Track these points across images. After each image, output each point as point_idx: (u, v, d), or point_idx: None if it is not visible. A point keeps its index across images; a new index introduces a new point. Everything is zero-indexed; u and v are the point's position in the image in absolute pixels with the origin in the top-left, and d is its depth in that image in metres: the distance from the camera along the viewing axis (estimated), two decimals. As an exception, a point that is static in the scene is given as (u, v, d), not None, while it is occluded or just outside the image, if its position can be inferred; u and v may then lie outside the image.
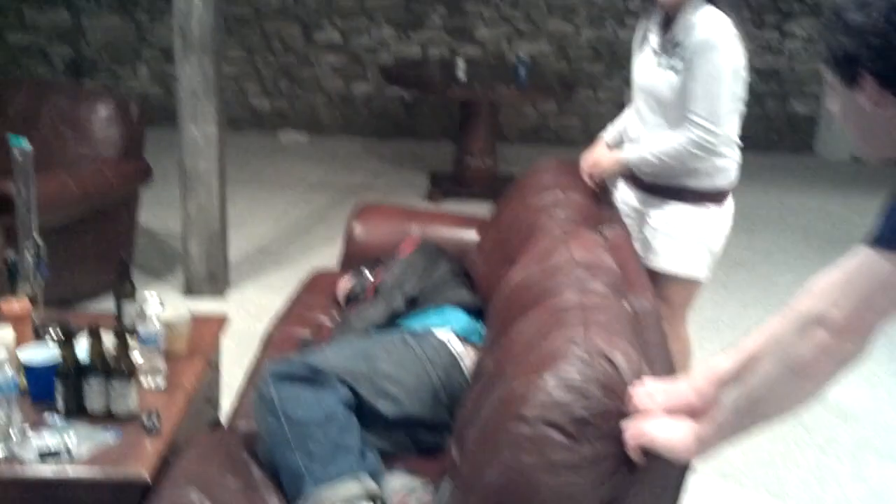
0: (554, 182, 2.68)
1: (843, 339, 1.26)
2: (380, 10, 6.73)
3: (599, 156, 2.73)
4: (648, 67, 2.56)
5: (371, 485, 1.82)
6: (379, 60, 6.74)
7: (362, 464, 1.86)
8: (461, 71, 5.34)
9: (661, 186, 2.58)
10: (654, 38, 2.55)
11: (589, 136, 7.46)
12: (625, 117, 2.80)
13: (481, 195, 5.33)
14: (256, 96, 6.92)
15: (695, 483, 2.82)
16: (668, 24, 2.49)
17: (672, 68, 2.45)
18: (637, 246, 2.55)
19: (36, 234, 2.39)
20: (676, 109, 2.46)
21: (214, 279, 3.94)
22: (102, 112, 3.74)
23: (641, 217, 2.66)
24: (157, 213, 4.45)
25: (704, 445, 1.40)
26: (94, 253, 3.62)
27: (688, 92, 2.41)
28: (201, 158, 3.76)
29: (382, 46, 6.79)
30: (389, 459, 1.99)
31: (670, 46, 2.46)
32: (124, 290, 2.43)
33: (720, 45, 2.35)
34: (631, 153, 2.60)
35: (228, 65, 6.55)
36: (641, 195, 2.65)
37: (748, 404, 1.36)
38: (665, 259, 2.61)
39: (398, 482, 1.87)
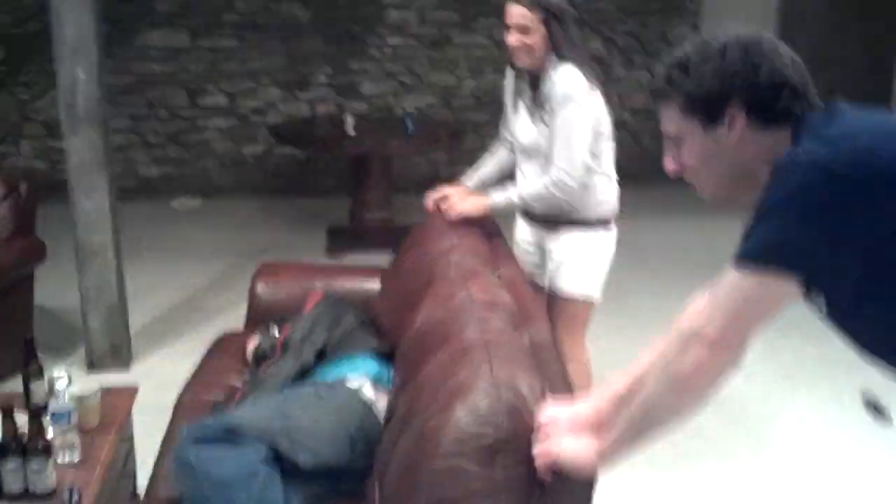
0: (449, 228, 2.80)
1: (719, 352, 1.40)
2: (265, 73, 6.80)
3: (458, 194, 2.97)
4: (526, 125, 2.85)
5: (298, 536, 1.88)
6: (268, 121, 6.80)
7: (287, 517, 1.91)
8: (350, 126, 5.46)
9: (552, 218, 2.85)
10: (527, 96, 2.83)
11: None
12: (486, 163, 3.11)
13: (380, 247, 5.40)
14: (145, 165, 6.87)
15: None
16: (535, 81, 2.79)
17: (542, 121, 2.76)
18: (542, 278, 2.92)
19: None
20: (546, 156, 2.77)
21: (117, 352, 3.90)
22: (-9, 192, 3.70)
23: (542, 250, 2.94)
24: (53, 289, 4.37)
25: (605, 459, 1.52)
26: (-10, 336, 3.56)
27: (551, 140, 2.72)
28: (96, 232, 3.74)
29: (270, 107, 6.85)
30: (313, 506, 2.05)
31: (540, 101, 2.76)
32: (32, 369, 2.42)
33: (575, 97, 2.67)
34: (498, 197, 2.85)
35: (115, 135, 6.50)
36: (536, 229, 2.94)
37: (640, 418, 1.50)
38: (568, 284, 2.86)
39: (324, 531, 1.93)
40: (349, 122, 5.49)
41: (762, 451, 3.32)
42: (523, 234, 3.02)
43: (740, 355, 1.43)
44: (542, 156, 2.78)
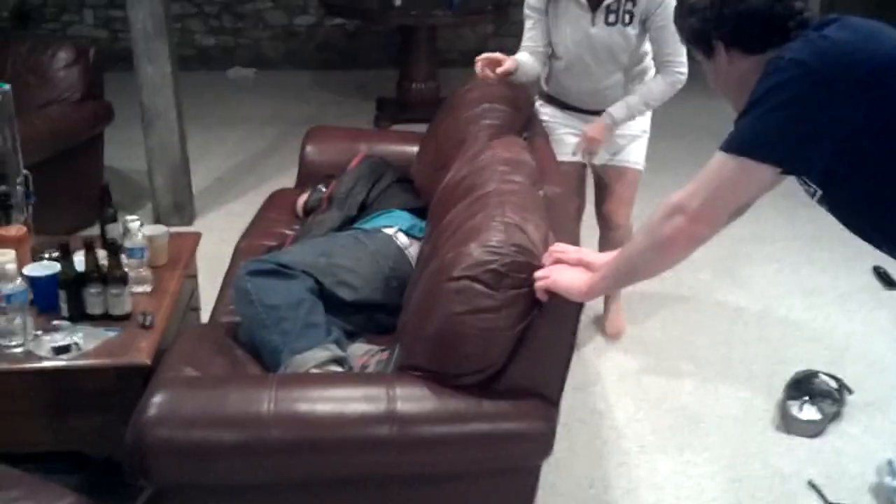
0: (481, 96, 2.99)
1: (696, 224, 1.62)
2: (316, -56, 6.91)
3: (593, 132, 2.97)
4: (586, 25, 2.86)
5: (337, 351, 2.19)
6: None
7: (329, 337, 2.23)
8: (397, -2, 5.59)
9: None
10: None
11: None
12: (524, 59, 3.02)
13: (426, 118, 5.59)
14: (202, 35, 7.10)
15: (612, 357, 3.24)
16: None
17: (621, 23, 2.83)
18: (604, 153, 3.08)
19: (22, 167, 2.69)
20: (631, 57, 2.90)
21: (181, 209, 4.24)
22: (62, 57, 3.99)
23: (607, 136, 3.00)
24: (120, 152, 4.70)
25: (593, 291, 1.80)
26: (66, 192, 3.86)
27: (661, 41, 2.82)
28: (159, 96, 4.02)
29: (321, -22, 6.99)
30: (352, 337, 2.36)
31: (620, 5, 2.80)
32: (107, 214, 2.74)
33: None
34: (617, 112, 2.92)
35: (173, 4, 6.71)
36: (589, 117, 3.03)
37: (625, 266, 1.77)
38: (637, 156, 3.11)
39: (359, 349, 2.25)
40: (396, -8, 5.62)
41: (772, 309, 3.56)
42: (567, 122, 3.08)
43: (714, 229, 1.66)
44: (618, 57, 2.88)
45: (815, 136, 1.53)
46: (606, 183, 3.17)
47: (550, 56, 3.03)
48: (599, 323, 3.36)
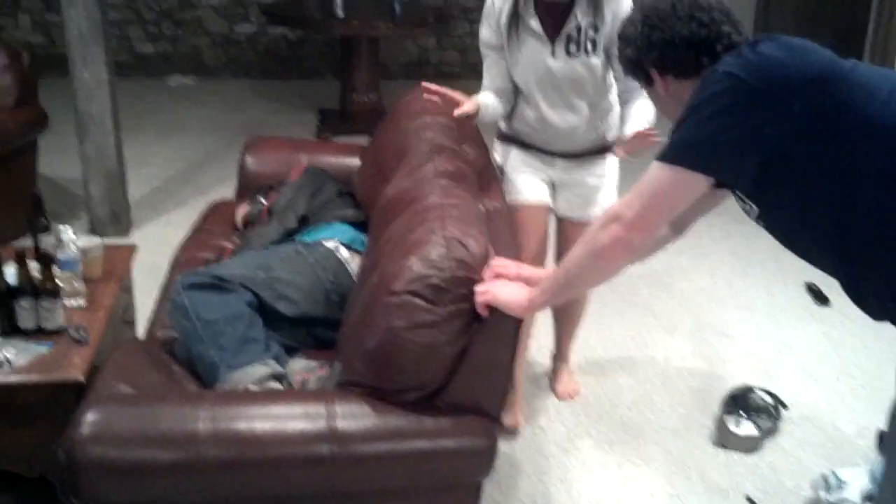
0: (423, 108, 2.99)
1: (632, 231, 1.65)
2: (258, -48, 6.86)
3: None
4: (546, 58, 2.57)
5: (276, 367, 2.16)
6: (260, 0, 6.89)
7: (268, 352, 2.20)
8: (339, 7, 5.57)
9: (596, 148, 2.74)
10: (536, 26, 2.56)
11: (468, 69, 7.75)
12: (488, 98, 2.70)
13: (368, 130, 5.59)
14: (141, 41, 6.99)
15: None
16: (558, 14, 2.53)
17: (584, 52, 2.54)
18: (568, 205, 2.80)
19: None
20: (597, 90, 2.62)
21: (117, 219, 4.16)
22: (-6, 62, 3.88)
23: (573, 180, 2.77)
24: (55, 160, 4.60)
25: (533, 304, 1.81)
26: (-3, 200, 3.79)
27: None
28: (94, 101, 3.94)
29: (263, -13, 6.94)
30: (291, 351, 2.33)
31: (581, 33, 2.53)
32: (39, 224, 2.67)
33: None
34: (640, 118, 2.56)
35: (111, 10, 6.60)
36: (569, 163, 2.75)
37: (564, 277, 1.79)
38: (604, 207, 2.72)
39: (299, 365, 2.22)
40: (338, 2, 5.60)
41: (707, 323, 3.62)
42: (529, 163, 2.77)
43: (651, 236, 1.69)
44: (587, 87, 2.60)
45: (744, 146, 1.56)
46: (566, 237, 2.84)
47: (515, 97, 2.75)
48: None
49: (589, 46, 2.55)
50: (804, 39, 1.63)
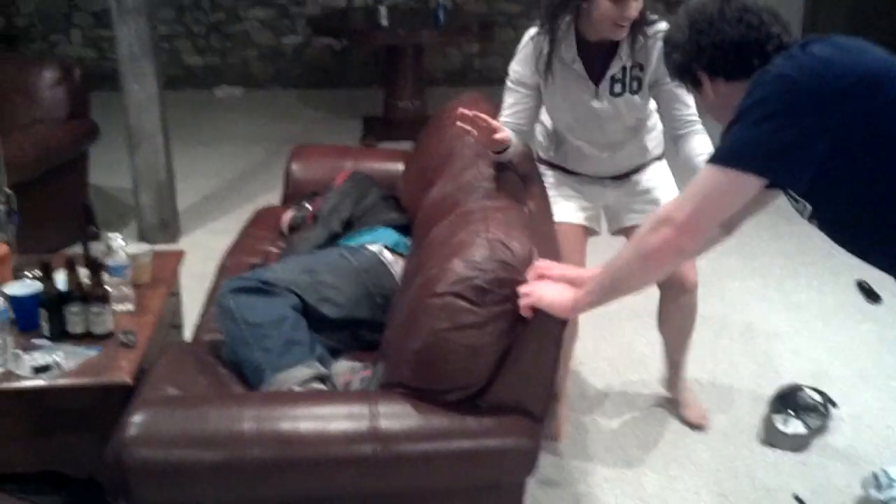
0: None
1: (682, 235, 1.64)
2: (303, -36, 6.94)
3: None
4: (589, 99, 2.52)
5: (320, 369, 2.18)
6: (306, 12, 6.97)
7: (312, 354, 2.22)
8: (383, 17, 5.62)
9: (643, 163, 2.72)
10: (580, 68, 2.49)
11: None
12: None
13: (412, 137, 5.61)
14: (189, 54, 7.11)
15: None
16: (603, 54, 2.48)
17: (629, 91, 2.50)
18: (631, 213, 2.72)
19: (5, 187, 2.68)
20: (643, 115, 2.60)
21: (166, 227, 4.23)
22: (48, 76, 3.98)
23: (627, 191, 2.72)
24: (104, 171, 4.70)
25: (578, 306, 1.80)
26: (50, 210, 3.86)
27: (679, 101, 2.46)
28: (145, 115, 4.02)
29: (308, -2, 7.02)
30: (336, 354, 2.35)
31: (626, 74, 2.48)
32: (90, 232, 2.72)
33: None
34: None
35: (160, 24, 6.74)
36: (618, 181, 2.72)
37: (610, 280, 1.78)
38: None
39: (343, 366, 2.23)
40: (382, 12, 5.65)
41: (756, 324, 3.57)
42: (572, 185, 2.74)
43: (699, 244, 1.69)
44: (629, 123, 2.59)
45: (798, 147, 1.54)
46: None
47: (553, 130, 2.72)
48: (585, 351, 3.35)
49: (634, 85, 2.50)
50: (857, 38, 1.61)
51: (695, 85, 1.77)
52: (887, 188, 1.55)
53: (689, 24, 1.72)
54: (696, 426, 2.88)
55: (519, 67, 2.57)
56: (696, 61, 1.72)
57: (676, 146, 2.54)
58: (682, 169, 2.47)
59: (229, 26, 7.06)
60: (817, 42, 1.59)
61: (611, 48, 2.47)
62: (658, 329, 2.89)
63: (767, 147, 1.55)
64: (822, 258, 4.04)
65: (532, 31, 2.56)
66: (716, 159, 1.60)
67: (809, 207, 1.67)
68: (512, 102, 2.58)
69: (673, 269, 1.73)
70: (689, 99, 2.48)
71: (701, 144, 2.46)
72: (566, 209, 2.72)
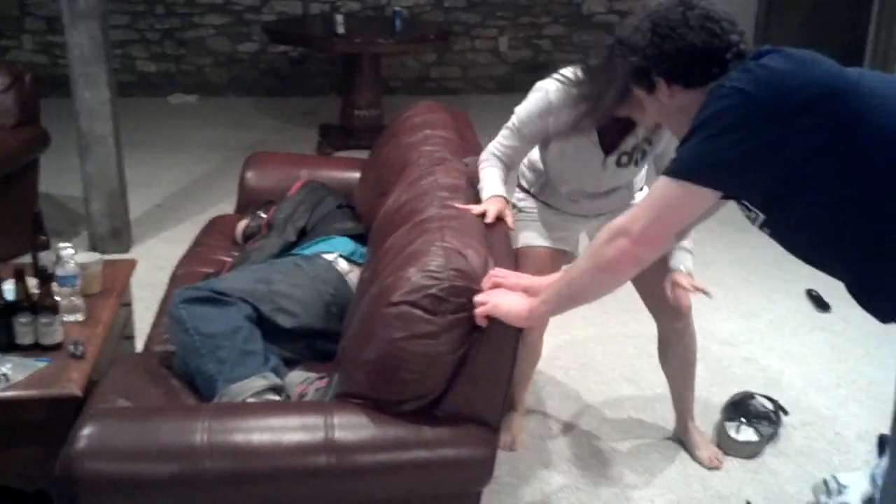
0: (422, 122, 3.01)
1: (639, 246, 1.66)
2: (259, -30, 6.91)
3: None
4: (596, 165, 2.49)
5: (275, 380, 2.16)
6: (262, 19, 6.93)
7: (266, 365, 2.19)
8: (340, 25, 5.60)
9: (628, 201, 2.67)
10: (594, 138, 2.45)
11: (468, 84, 7.80)
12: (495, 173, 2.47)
13: (369, 145, 5.58)
14: (143, 61, 7.03)
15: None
16: (619, 128, 2.44)
17: (634, 164, 2.51)
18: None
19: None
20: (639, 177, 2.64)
21: (118, 236, 4.17)
22: (-3, 82, 3.91)
23: (605, 220, 2.49)
24: (55, 178, 4.62)
25: (533, 315, 1.81)
26: (-1, 219, 3.81)
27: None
28: (96, 121, 3.96)
29: (264, 4, 6.98)
30: (291, 364, 2.33)
31: (635, 149, 2.48)
32: (39, 241, 2.67)
33: None
34: (688, 259, 2.54)
35: (114, 30, 6.64)
36: (600, 217, 2.67)
37: (567, 288, 1.79)
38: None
39: (297, 377, 2.21)
40: (339, 20, 5.63)
41: (709, 331, 3.61)
42: (551, 219, 2.67)
43: (656, 251, 1.70)
44: (622, 181, 2.58)
45: (754, 161, 1.56)
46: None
47: (542, 171, 2.65)
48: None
49: (639, 157, 2.51)
50: (809, 51, 1.63)
51: (649, 89, 1.77)
52: (842, 199, 1.57)
53: (650, 28, 1.71)
54: (709, 468, 2.78)
55: (528, 119, 2.45)
56: (656, 66, 1.72)
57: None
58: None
59: (184, 33, 7.00)
60: (771, 54, 1.61)
61: (628, 124, 2.43)
62: (661, 367, 2.82)
63: (722, 161, 1.57)
64: (774, 267, 4.11)
65: (551, 86, 2.41)
66: (671, 172, 1.61)
67: (762, 216, 1.69)
68: (510, 145, 2.49)
69: (631, 277, 1.74)
70: None
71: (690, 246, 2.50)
72: (534, 235, 2.66)
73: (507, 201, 2.38)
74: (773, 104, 1.53)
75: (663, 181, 1.63)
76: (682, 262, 2.51)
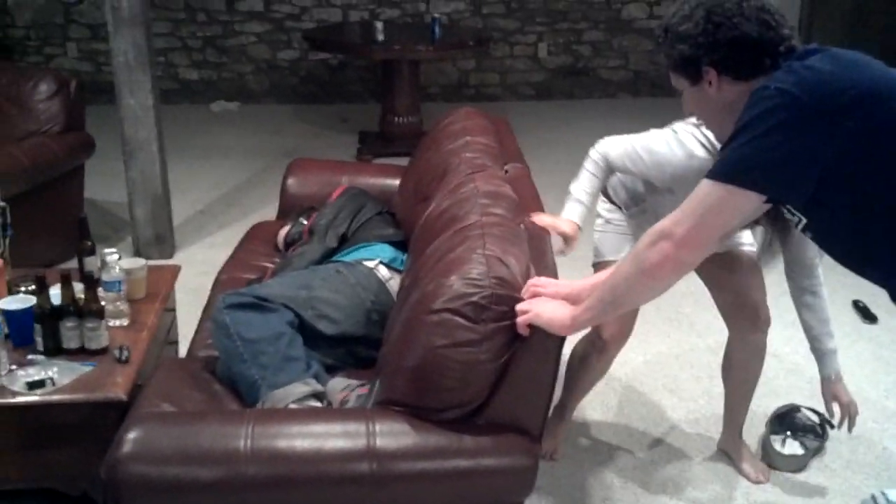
0: (462, 129, 3.01)
1: (682, 249, 1.63)
2: (300, -22, 6.96)
3: None
4: None
5: (317, 386, 2.17)
6: (302, 26, 6.98)
7: (308, 371, 2.20)
8: (379, 32, 5.63)
9: None
10: None
11: (507, 90, 7.79)
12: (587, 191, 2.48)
13: (408, 152, 5.60)
14: (185, 69, 7.11)
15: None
16: None
17: None
18: None
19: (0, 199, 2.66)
20: None
21: (161, 241, 4.22)
22: (44, 88, 3.98)
23: None
24: (100, 184, 4.69)
25: (576, 323, 1.79)
26: (45, 224, 3.84)
27: None
28: (140, 128, 4.01)
29: (304, 12, 7.03)
30: (332, 371, 2.34)
31: None
32: (85, 246, 2.71)
33: None
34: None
35: (156, 38, 6.74)
36: None
37: (609, 295, 1.76)
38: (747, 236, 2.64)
39: (339, 383, 2.22)
40: (378, 27, 5.66)
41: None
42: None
43: (700, 255, 1.66)
44: None
45: (798, 164, 1.54)
46: (719, 276, 2.61)
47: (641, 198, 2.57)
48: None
49: None
50: (855, 52, 1.61)
51: (694, 80, 1.74)
52: (882, 205, 1.56)
53: (704, 17, 1.69)
54: (755, 482, 2.73)
55: (634, 166, 2.36)
56: (708, 55, 1.69)
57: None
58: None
59: (225, 40, 7.07)
60: (818, 54, 1.59)
61: None
62: (722, 375, 2.77)
63: (766, 163, 1.55)
64: (818, 276, 4.04)
65: (700, 152, 2.25)
66: (715, 174, 1.59)
67: (804, 220, 1.67)
68: (593, 181, 2.44)
69: (674, 282, 1.72)
70: None
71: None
72: (627, 249, 2.52)
73: (579, 229, 2.39)
74: (818, 106, 1.51)
75: (706, 184, 1.60)
76: (833, 367, 2.50)
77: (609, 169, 2.46)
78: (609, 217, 2.64)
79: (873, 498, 2.54)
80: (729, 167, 1.58)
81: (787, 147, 1.53)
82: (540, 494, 2.62)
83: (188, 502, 1.79)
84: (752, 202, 1.59)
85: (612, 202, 2.64)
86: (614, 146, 2.43)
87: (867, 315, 3.75)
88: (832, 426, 2.92)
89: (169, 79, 6.99)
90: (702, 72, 1.72)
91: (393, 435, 1.82)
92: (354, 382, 2.21)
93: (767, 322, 2.60)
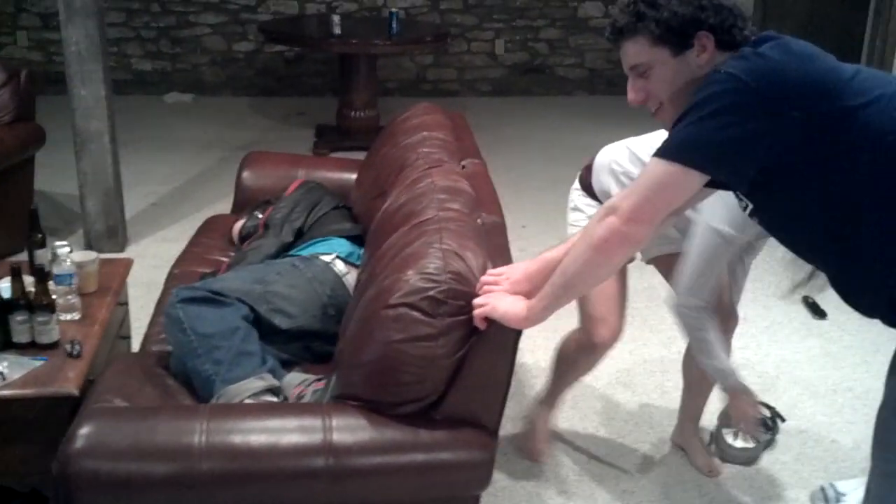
0: (420, 124, 3.01)
1: (628, 224, 1.65)
2: (256, -30, 6.90)
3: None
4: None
5: (272, 381, 2.15)
6: (258, 18, 6.92)
7: (263, 366, 2.19)
8: (336, 25, 5.60)
9: None
10: None
11: (464, 86, 7.79)
12: None
13: (365, 146, 5.57)
14: (139, 59, 7.01)
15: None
16: None
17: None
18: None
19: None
20: None
21: (113, 234, 4.16)
22: (-8, 79, 3.89)
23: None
24: (51, 176, 4.61)
25: (532, 314, 1.79)
26: (-7, 216, 3.80)
27: None
28: (92, 119, 3.95)
29: (260, 4, 6.97)
30: (288, 366, 2.32)
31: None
32: (35, 239, 2.66)
33: None
34: None
35: (110, 28, 6.63)
36: None
37: (561, 279, 1.76)
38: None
39: (295, 378, 2.21)
40: (335, 20, 5.63)
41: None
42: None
43: (646, 231, 1.67)
44: None
45: (741, 148, 1.56)
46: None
47: None
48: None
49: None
50: (808, 43, 1.64)
51: (679, 49, 1.68)
52: (829, 193, 1.58)
53: None
54: (708, 475, 2.76)
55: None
56: (711, 17, 1.65)
57: None
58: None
59: (180, 31, 6.98)
60: (771, 43, 1.61)
61: None
62: (682, 368, 2.80)
63: (708, 145, 1.57)
64: (769, 273, 4.11)
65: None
66: (661, 152, 1.62)
67: (750, 205, 1.70)
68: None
69: (623, 262, 1.73)
70: None
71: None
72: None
73: None
74: (765, 94, 1.53)
75: (653, 161, 1.63)
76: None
77: None
78: (581, 205, 2.62)
79: (822, 490, 2.59)
80: (674, 146, 1.60)
81: (730, 131, 1.55)
82: (496, 488, 2.63)
83: (141, 498, 1.77)
84: (696, 182, 1.61)
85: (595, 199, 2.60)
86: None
87: (817, 311, 3.82)
88: (783, 419, 2.98)
89: (122, 69, 6.89)
90: (693, 37, 1.67)
91: (349, 430, 1.82)
92: (311, 377, 2.20)
93: (736, 322, 2.64)
